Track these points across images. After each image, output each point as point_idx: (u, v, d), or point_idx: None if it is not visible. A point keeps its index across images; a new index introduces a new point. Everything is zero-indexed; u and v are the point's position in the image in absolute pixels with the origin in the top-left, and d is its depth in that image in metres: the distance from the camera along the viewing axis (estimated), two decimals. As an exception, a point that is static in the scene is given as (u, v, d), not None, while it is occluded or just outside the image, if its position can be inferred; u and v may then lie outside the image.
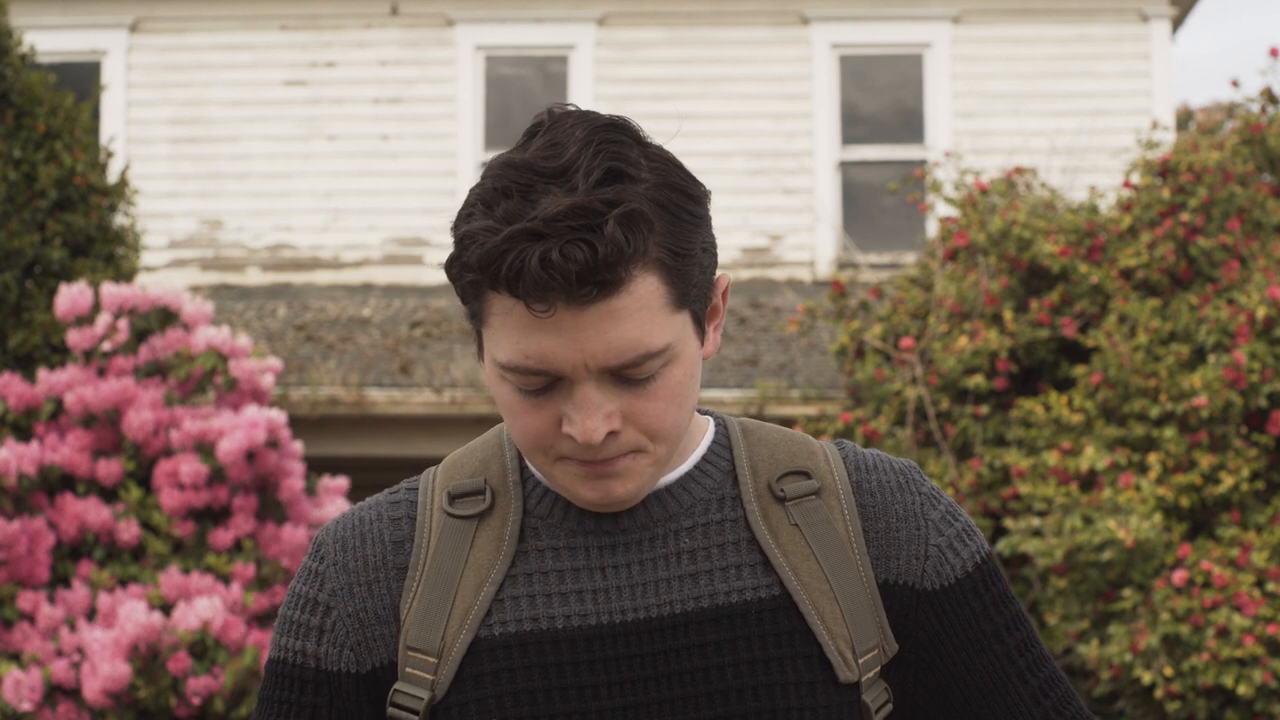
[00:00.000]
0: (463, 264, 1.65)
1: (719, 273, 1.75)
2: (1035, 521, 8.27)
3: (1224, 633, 8.02)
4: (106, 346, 8.28)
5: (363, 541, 1.77)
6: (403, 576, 1.76)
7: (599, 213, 1.60)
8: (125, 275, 8.99)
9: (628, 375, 1.66)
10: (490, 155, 12.18)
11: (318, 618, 1.77)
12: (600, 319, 1.63)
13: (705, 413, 1.86)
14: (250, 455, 8.14)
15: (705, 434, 1.83)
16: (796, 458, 1.82)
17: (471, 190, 1.69)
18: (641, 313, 1.64)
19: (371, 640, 1.75)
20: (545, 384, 1.67)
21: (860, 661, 1.75)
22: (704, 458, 1.80)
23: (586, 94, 12.01)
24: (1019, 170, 9.87)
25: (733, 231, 12.06)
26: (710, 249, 1.71)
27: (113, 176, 9.63)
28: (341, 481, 8.79)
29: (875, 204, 12.26)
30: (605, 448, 1.68)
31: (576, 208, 1.60)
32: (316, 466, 10.28)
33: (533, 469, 1.78)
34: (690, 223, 1.68)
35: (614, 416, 1.67)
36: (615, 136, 1.66)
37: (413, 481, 1.82)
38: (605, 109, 1.74)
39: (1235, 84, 10.15)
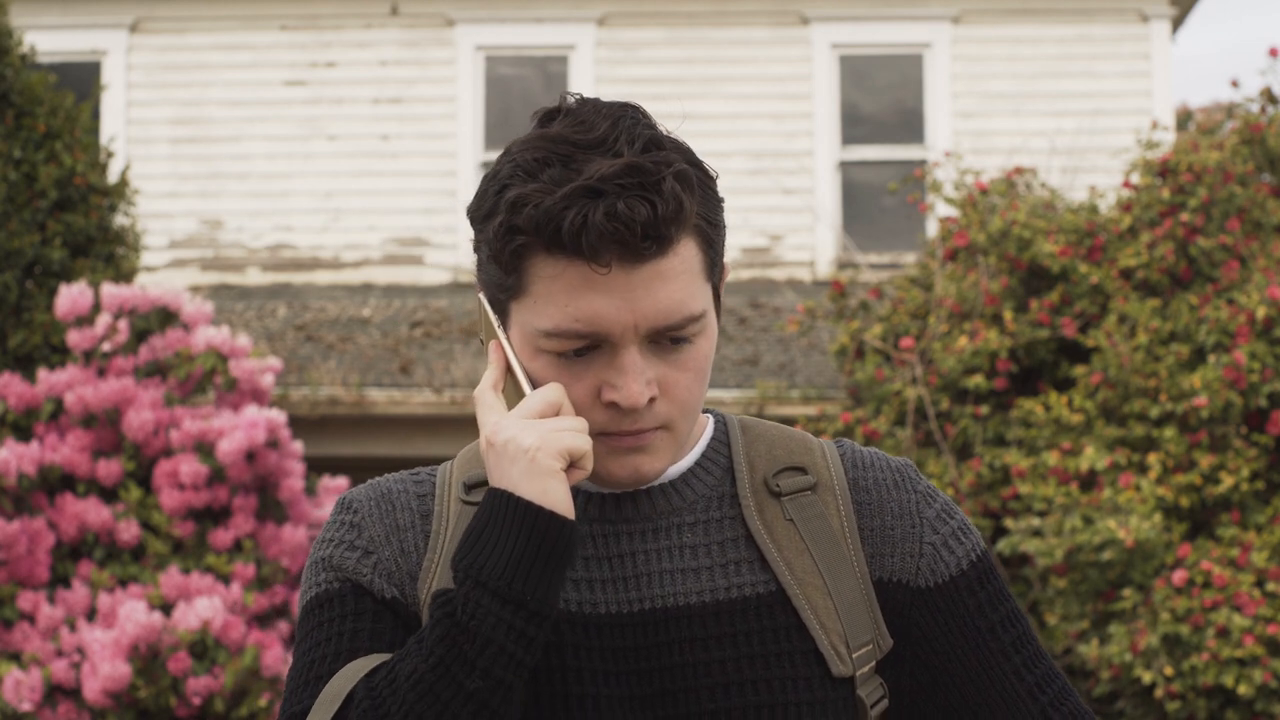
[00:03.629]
0: (512, 227, 1.66)
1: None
2: (1035, 521, 8.27)
3: (1224, 633, 8.02)
4: (106, 347, 8.28)
5: (393, 506, 1.79)
6: (425, 549, 1.77)
7: (654, 172, 1.65)
8: (125, 275, 8.99)
9: (671, 337, 1.69)
10: (490, 155, 12.20)
11: (358, 554, 1.77)
12: (650, 279, 1.66)
13: (705, 411, 1.88)
14: (250, 455, 8.14)
15: (705, 430, 1.85)
16: (794, 454, 1.84)
17: (499, 167, 1.70)
18: (686, 275, 1.69)
19: (407, 594, 1.75)
20: (585, 347, 1.69)
21: (854, 656, 1.77)
22: (704, 454, 1.83)
23: (586, 94, 11.99)
24: (1019, 170, 9.87)
25: (733, 231, 12.05)
26: (725, 230, 1.77)
27: (113, 176, 9.63)
28: (341, 481, 8.79)
29: (875, 204, 12.26)
30: (643, 416, 1.71)
31: (633, 166, 1.64)
32: (316, 466, 10.28)
33: None
34: (715, 198, 1.74)
35: (653, 384, 1.70)
36: (639, 115, 1.72)
37: (431, 469, 1.84)
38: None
39: (1235, 84, 10.15)
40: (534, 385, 1.73)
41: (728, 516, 1.80)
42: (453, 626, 1.63)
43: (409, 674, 1.63)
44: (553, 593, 1.65)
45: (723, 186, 1.78)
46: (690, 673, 1.73)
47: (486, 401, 1.72)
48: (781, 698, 1.73)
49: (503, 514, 1.66)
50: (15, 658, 7.91)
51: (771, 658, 1.74)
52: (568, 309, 1.67)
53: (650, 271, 1.66)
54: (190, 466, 8.03)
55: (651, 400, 1.71)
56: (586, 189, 1.63)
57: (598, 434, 1.72)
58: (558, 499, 1.66)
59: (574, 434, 1.67)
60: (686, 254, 1.69)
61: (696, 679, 1.73)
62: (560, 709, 1.71)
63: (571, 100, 1.75)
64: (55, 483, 8.18)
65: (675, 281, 1.68)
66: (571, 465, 1.68)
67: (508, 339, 1.74)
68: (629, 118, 1.70)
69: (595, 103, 1.74)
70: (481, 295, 1.76)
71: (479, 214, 1.71)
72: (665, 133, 1.72)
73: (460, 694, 1.62)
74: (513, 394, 1.74)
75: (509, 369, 1.74)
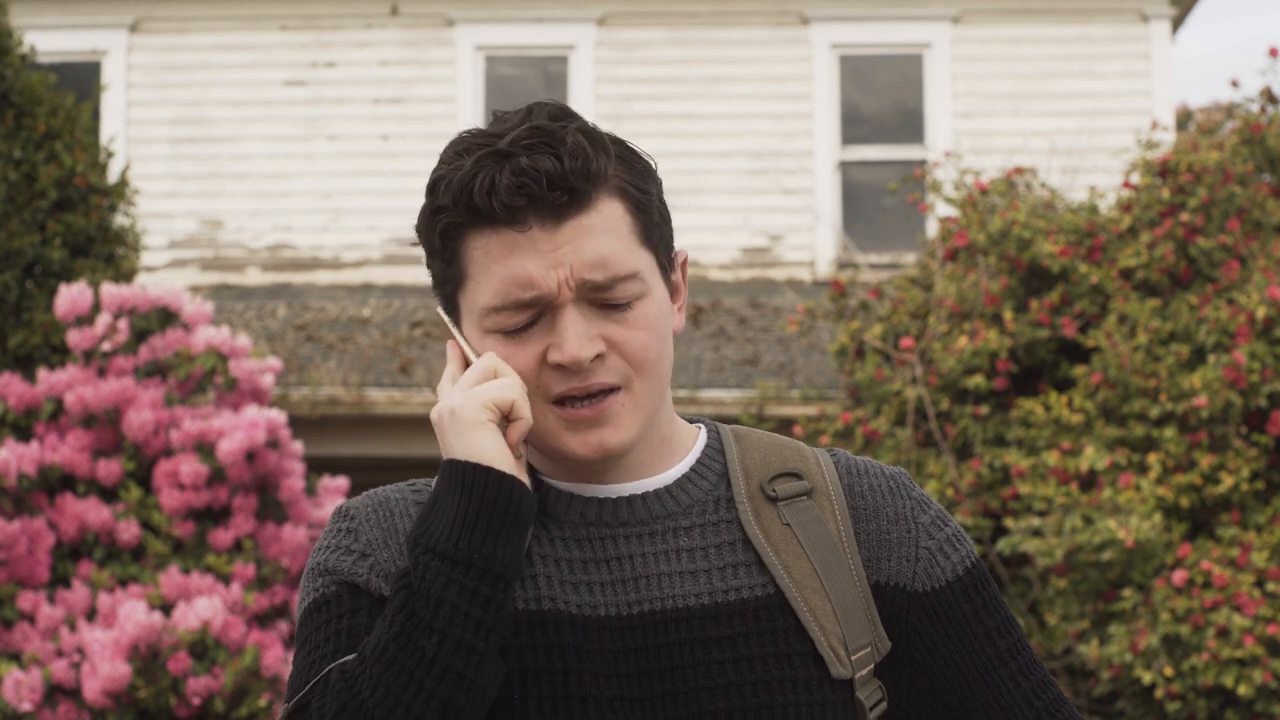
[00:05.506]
0: (436, 208, 1.74)
1: (679, 248, 1.83)
2: (1035, 521, 8.27)
3: (1224, 633, 8.02)
4: (106, 346, 8.28)
5: (391, 513, 1.81)
6: None
7: (557, 131, 1.72)
8: (125, 275, 8.99)
9: (606, 299, 1.73)
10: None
11: (354, 557, 1.79)
12: (574, 235, 1.71)
13: (696, 420, 1.90)
14: (250, 455, 8.14)
15: (698, 439, 1.87)
16: (788, 460, 1.85)
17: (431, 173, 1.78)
18: (612, 233, 1.73)
19: None
20: (530, 318, 1.73)
21: (853, 658, 1.78)
22: (699, 460, 1.84)
23: (586, 94, 12.01)
24: (1019, 170, 9.87)
25: (733, 231, 12.06)
26: (665, 211, 1.80)
27: (113, 176, 9.63)
28: (341, 481, 8.79)
29: (875, 204, 12.26)
30: (594, 372, 1.73)
31: (535, 128, 1.71)
32: (316, 466, 10.28)
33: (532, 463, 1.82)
34: (642, 168, 1.78)
35: (597, 340, 1.73)
36: (554, 100, 1.78)
37: (428, 481, 1.86)
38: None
39: (1235, 84, 10.16)
40: None
41: (724, 520, 1.81)
42: (410, 595, 1.66)
43: (374, 646, 1.66)
44: (502, 549, 1.68)
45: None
46: (690, 674, 1.74)
47: (442, 391, 1.77)
48: (781, 699, 1.74)
49: (447, 480, 1.70)
50: (15, 658, 7.91)
51: (771, 659, 1.75)
52: (503, 278, 1.72)
53: (573, 228, 1.71)
54: (190, 466, 8.03)
55: (601, 357, 1.73)
56: (493, 153, 1.70)
57: (556, 405, 1.75)
58: (487, 449, 1.69)
59: (498, 388, 1.71)
60: (610, 212, 1.73)
61: (696, 681, 1.74)
62: (562, 710, 1.72)
63: (500, 112, 1.81)
64: (55, 483, 8.18)
65: (601, 238, 1.72)
66: (510, 421, 1.72)
67: (461, 333, 1.78)
68: (542, 102, 1.77)
69: (520, 108, 1.80)
70: (439, 304, 1.81)
71: (419, 222, 1.78)
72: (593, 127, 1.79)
73: (423, 659, 1.64)
74: None
75: (465, 362, 1.78)
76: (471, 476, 1.69)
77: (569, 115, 1.75)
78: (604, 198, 1.73)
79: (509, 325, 1.73)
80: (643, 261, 1.75)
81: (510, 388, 1.71)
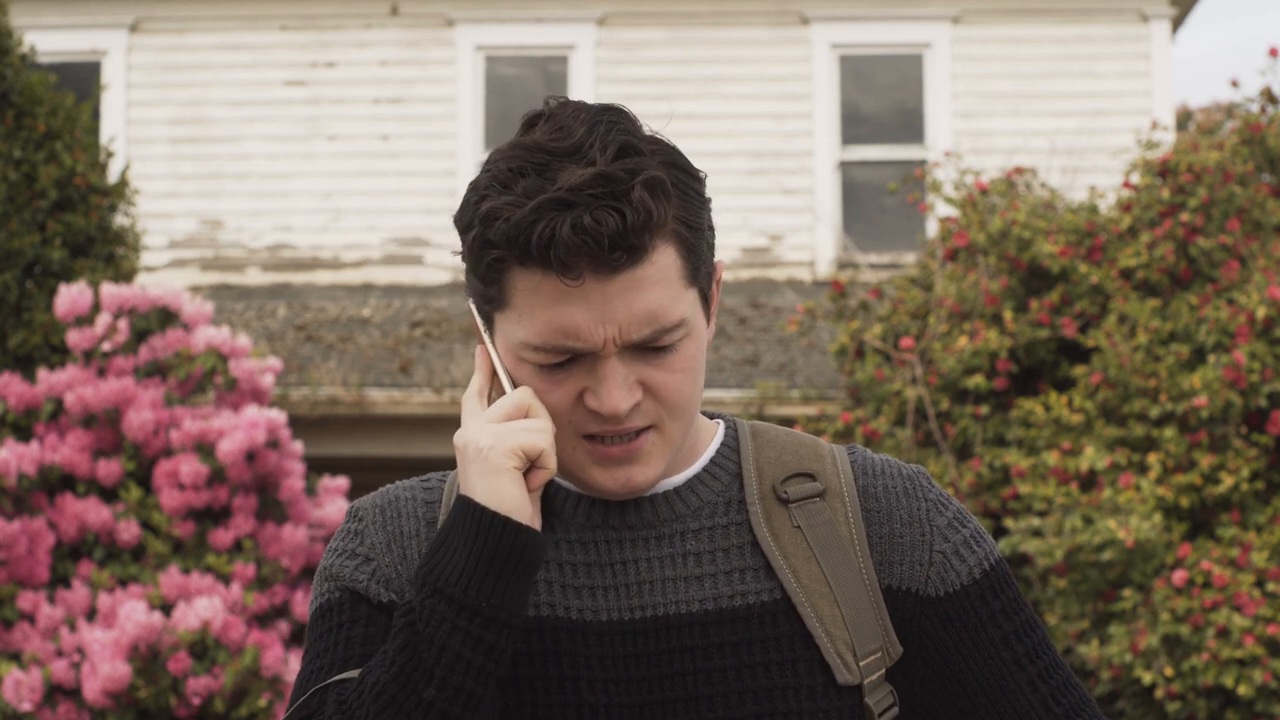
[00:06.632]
0: (486, 241, 1.66)
1: (716, 258, 1.79)
2: (1035, 521, 8.27)
3: (1224, 633, 8.02)
4: (106, 346, 8.28)
5: (399, 514, 1.79)
6: None
7: (623, 180, 1.63)
8: (125, 275, 8.99)
9: (648, 345, 1.69)
10: (490, 155, 12.18)
11: (358, 561, 1.78)
12: (625, 289, 1.66)
13: (716, 416, 1.87)
14: (250, 455, 8.14)
15: (715, 436, 1.84)
16: (803, 460, 1.82)
17: (479, 176, 1.71)
18: (663, 284, 1.67)
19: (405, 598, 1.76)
20: (569, 358, 1.69)
21: (861, 664, 1.75)
22: (712, 460, 1.82)
23: (586, 94, 12.00)
24: (1019, 170, 9.87)
25: (733, 231, 12.05)
26: (712, 230, 1.75)
27: (113, 176, 9.63)
28: (341, 481, 8.79)
29: (875, 204, 12.26)
30: (629, 417, 1.70)
31: (601, 176, 1.63)
32: (316, 466, 10.28)
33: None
34: (697, 200, 1.72)
35: (636, 388, 1.70)
36: (618, 119, 1.70)
37: (442, 474, 1.84)
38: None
39: (1235, 84, 10.16)
40: None
41: (734, 523, 1.79)
42: (412, 635, 1.64)
43: (372, 685, 1.65)
44: (511, 599, 1.65)
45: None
46: (692, 681, 1.72)
47: (469, 408, 1.73)
48: (784, 706, 1.72)
49: (463, 520, 1.67)
50: (15, 658, 7.91)
51: (774, 666, 1.73)
52: (548, 322, 1.67)
53: (625, 281, 1.65)
54: (190, 466, 8.03)
55: (636, 404, 1.70)
56: (555, 201, 1.63)
57: (585, 438, 1.72)
58: (509, 498, 1.66)
59: (529, 432, 1.67)
60: (663, 261, 1.67)
61: (698, 688, 1.72)
62: (558, 718, 1.71)
63: (554, 104, 1.74)
64: (55, 483, 8.18)
65: (651, 291, 1.67)
66: (534, 467, 1.69)
67: (494, 345, 1.75)
68: (605, 122, 1.69)
69: (576, 107, 1.72)
70: (471, 303, 1.77)
71: (460, 224, 1.72)
72: (649, 133, 1.71)
73: (420, 703, 1.63)
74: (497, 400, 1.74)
75: (495, 375, 1.75)
76: (489, 525, 1.65)
77: (635, 151, 1.67)
78: (659, 246, 1.67)
79: (546, 362, 1.69)
80: (688, 303, 1.71)
81: (542, 433, 1.68)
